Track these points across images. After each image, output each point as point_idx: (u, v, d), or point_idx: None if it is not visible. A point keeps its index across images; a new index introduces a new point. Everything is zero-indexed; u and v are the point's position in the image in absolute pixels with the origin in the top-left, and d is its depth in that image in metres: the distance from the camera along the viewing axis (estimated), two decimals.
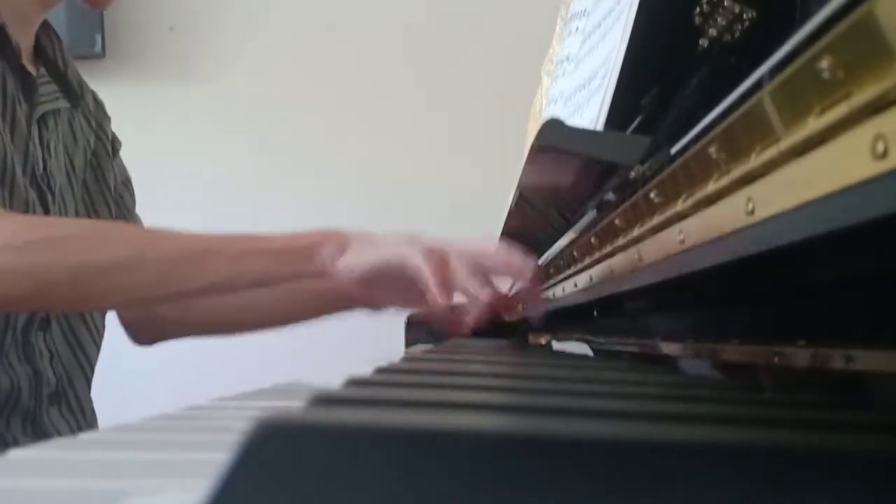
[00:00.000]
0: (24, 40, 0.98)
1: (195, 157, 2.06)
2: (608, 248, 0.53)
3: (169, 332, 1.15)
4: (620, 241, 0.49)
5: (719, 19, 0.45)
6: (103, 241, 0.84)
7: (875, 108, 0.21)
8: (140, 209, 1.19)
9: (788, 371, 0.38)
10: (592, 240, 0.58)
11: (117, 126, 1.17)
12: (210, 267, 0.86)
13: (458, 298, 0.87)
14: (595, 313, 0.79)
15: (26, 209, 0.92)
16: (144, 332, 1.15)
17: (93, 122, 1.10)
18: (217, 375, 1.31)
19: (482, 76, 1.99)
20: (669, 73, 0.49)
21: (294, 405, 0.23)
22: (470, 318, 0.87)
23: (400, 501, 0.16)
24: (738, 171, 0.30)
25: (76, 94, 1.06)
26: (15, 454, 0.30)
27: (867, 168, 0.21)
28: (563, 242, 0.75)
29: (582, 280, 0.62)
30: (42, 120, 0.99)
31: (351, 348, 1.10)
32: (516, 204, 0.82)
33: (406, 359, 0.69)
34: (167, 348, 1.17)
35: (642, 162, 0.47)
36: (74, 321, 1.02)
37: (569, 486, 0.16)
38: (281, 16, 2.08)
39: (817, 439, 0.18)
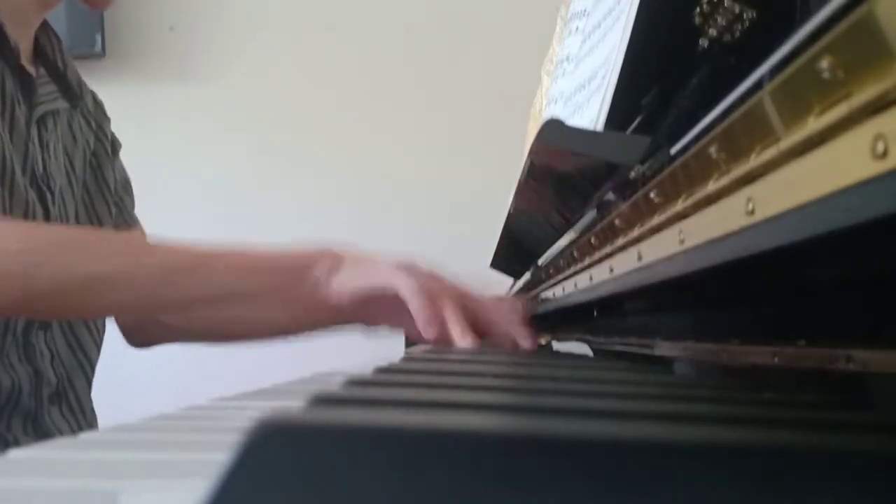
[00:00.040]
0: (23, 40, 0.98)
1: (195, 157, 2.06)
2: (608, 248, 0.53)
3: (163, 338, 1.15)
4: (620, 241, 0.49)
5: (719, 19, 0.45)
6: (94, 253, 0.84)
7: (875, 108, 0.21)
8: (140, 209, 1.19)
9: (788, 371, 0.38)
10: (592, 240, 0.58)
11: (117, 126, 1.17)
12: (199, 281, 0.85)
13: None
14: (595, 313, 0.79)
15: (26, 209, 0.92)
16: (139, 335, 1.15)
17: (92, 123, 1.10)
18: (217, 375, 1.31)
19: (482, 76, 1.99)
20: (669, 73, 0.49)
21: (294, 405, 0.23)
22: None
23: (400, 501, 0.16)
24: (738, 171, 0.30)
25: (75, 94, 1.06)
26: (15, 454, 0.30)
27: (867, 168, 0.21)
28: (563, 242, 0.75)
29: (582, 280, 0.62)
30: (41, 120, 0.99)
31: (351, 348, 1.10)
32: (516, 204, 0.82)
33: (406, 359, 0.69)
34: (167, 348, 1.17)
35: (642, 162, 0.47)
36: (75, 322, 1.02)
37: (569, 486, 0.16)
38: (281, 16, 2.08)
39: (817, 439, 0.18)
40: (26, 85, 0.98)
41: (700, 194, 0.34)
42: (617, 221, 0.50)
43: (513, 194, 0.85)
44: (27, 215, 0.93)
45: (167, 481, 0.26)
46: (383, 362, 0.55)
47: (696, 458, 0.16)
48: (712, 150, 0.33)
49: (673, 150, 0.41)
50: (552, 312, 0.81)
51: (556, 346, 1.01)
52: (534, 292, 0.91)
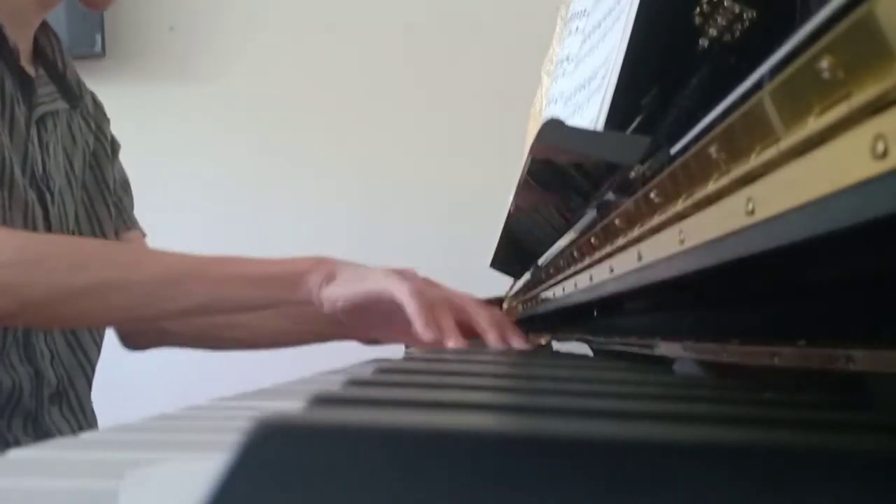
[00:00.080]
0: (22, 41, 0.98)
1: (195, 157, 2.06)
2: (608, 248, 0.53)
3: (159, 342, 1.15)
4: (620, 241, 0.49)
5: (719, 19, 0.45)
6: (87, 262, 0.84)
7: (875, 108, 0.21)
8: (140, 209, 1.19)
9: (788, 371, 0.38)
10: (592, 240, 0.58)
11: (117, 126, 1.17)
12: (192, 291, 0.86)
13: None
14: (595, 313, 0.79)
15: (25, 210, 0.93)
16: (136, 339, 1.15)
17: (92, 124, 1.10)
18: (217, 375, 1.31)
19: (482, 76, 1.99)
20: (669, 73, 0.49)
21: (294, 405, 0.23)
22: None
23: (400, 501, 0.16)
24: (738, 171, 0.30)
25: (75, 95, 1.06)
26: (15, 454, 0.30)
27: (867, 168, 0.21)
28: (563, 242, 0.75)
29: (582, 280, 0.62)
30: (41, 121, 0.99)
31: (351, 348, 1.10)
32: (516, 203, 0.82)
33: (406, 359, 0.69)
34: (167, 348, 1.17)
35: (642, 162, 0.47)
36: None
37: (569, 486, 0.16)
38: (281, 16, 2.08)
39: (817, 439, 0.18)
40: (26, 86, 0.98)
41: (700, 194, 0.34)
42: (617, 221, 0.50)
43: (513, 194, 0.85)
44: (27, 216, 0.93)
45: (167, 480, 0.26)
46: (383, 362, 0.55)
47: (696, 458, 0.16)
48: (712, 150, 0.33)
49: (673, 150, 0.41)
50: (552, 312, 0.81)
51: (556, 346, 1.01)
52: (534, 292, 0.91)
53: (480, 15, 2.02)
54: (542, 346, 1.02)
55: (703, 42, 0.46)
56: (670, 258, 0.39)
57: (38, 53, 1.02)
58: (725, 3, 0.44)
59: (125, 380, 1.50)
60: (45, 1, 1.01)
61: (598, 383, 0.39)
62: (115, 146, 1.15)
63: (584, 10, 0.72)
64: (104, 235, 1.08)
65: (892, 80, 0.20)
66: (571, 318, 0.84)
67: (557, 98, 0.72)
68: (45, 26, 1.04)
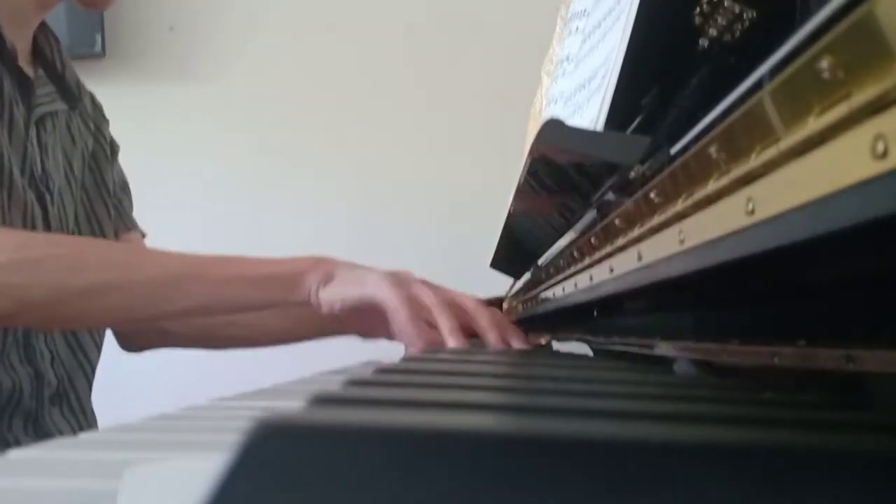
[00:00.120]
0: (21, 42, 0.98)
1: (195, 157, 2.06)
2: (608, 248, 0.53)
3: (159, 343, 1.15)
4: (620, 241, 0.49)
5: (719, 19, 0.45)
6: (85, 263, 0.84)
7: (875, 108, 0.21)
8: (140, 209, 1.19)
9: (788, 371, 0.38)
10: (592, 240, 0.58)
11: (117, 126, 1.17)
12: (191, 291, 0.86)
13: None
14: (595, 313, 0.79)
15: (24, 210, 0.93)
16: (135, 340, 1.15)
17: (91, 125, 1.10)
18: (217, 375, 1.31)
19: (482, 76, 1.99)
20: (669, 73, 0.49)
21: (294, 405, 0.23)
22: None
23: (400, 501, 0.16)
24: (738, 171, 0.30)
25: (74, 95, 1.06)
26: (15, 454, 0.30)
27: (867, 168, 0.21)
28: (563, 242, 0.75)
29: (582, 280, 0.62)
30: (40, 122, 0.99)
31: (351, 348, 1.10)
32: (516, 203, 0.82)
33: (406, 359, 0.69)
34: (167, 349, 1.17)
35: (642, 162, 0.47)
36: None
37: (569, 486, 0.16)
38: (281, 16, 2.08)
39: (817, 439, 0.18)
40: (25, 86, 0.98)
41: (700, 194, 0.34)
42: (617, 221, 0.50)
43: (513, 194, 0.85)
44: (26, 216, 0.93)
45: (167, 480, 0.26)
46: (383, 362, 0.55)
47: (696, 458, 0.16)
48: (712, 150, 0.33)
49: (673, 150, 0.41)
50: (552, 312, 0.81)
51: (556, 346, 1.01)
52: (534, 292, 0.91)
53: (480, 15, 2.02)
54: (542, 346, 1.02)
55: (703, 42, 0.46)
56: (670, 258, 0.39)
57: (37, 54, 1.02)
58: (725, 3, 0.44)
59: (125, 380, 1.50)
60: (44, 1, 1.01)
61: (598, 383, 0.39)
62: (114, 147, 1.15)
63: (584, 10, 0.72)
64: (104, 236, 1.08)
65: (892, 80, 0.20)
66: (571, 318, 0.84)
67: (557, 98, 0.72)
68: (43, 27, 1.04)
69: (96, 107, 1.14)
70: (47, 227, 0.96)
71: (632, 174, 0.48)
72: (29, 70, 0.99)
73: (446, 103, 2.02)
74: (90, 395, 1.06)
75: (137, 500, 0.25)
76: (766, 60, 0.29)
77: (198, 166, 2.05)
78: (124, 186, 1.17)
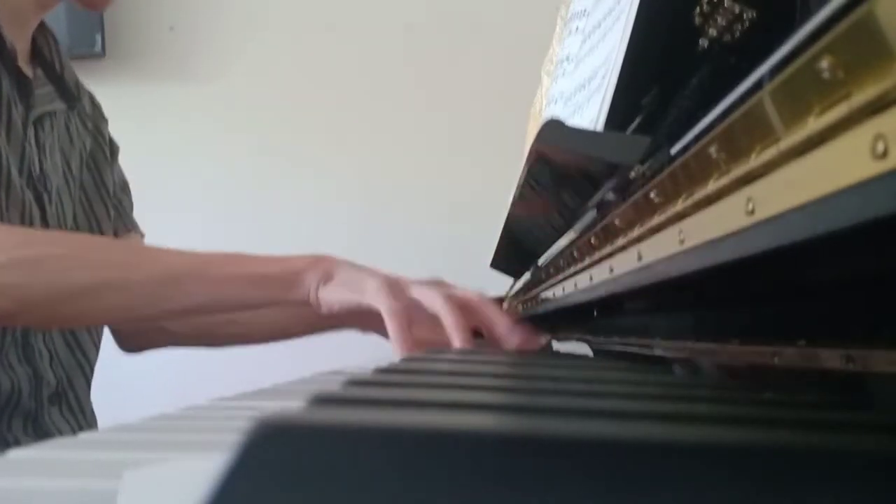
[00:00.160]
0: (20, 42, 0.98)
1: (195, 157, 2.06)
2: (608, 248, 0.53)
3: (158, 342, 1.15)
4: (620, 241, 0.49)
5: (719, 19, 0.45)
6: (85, 262, 0.84)
7: (875, 108, 0.21)
8: (140, 209, 1.19)
9: (788, 371, 0.38)
10: (592, 240, 0.58)
11: (117, 126, 1.17)
12: (191, 290, 0.86)
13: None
14: (595, 313, 0.79)
15: (23, 210, 0.93)
16: (134, 339, 1.15)
17: (89, 125, 1.10)
18: (217, 375, 1.31)
19: (482, 76, 1.99)
20: (669, 73, 0.49)
21: (294, 405, 0.23)
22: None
23: (400, 501, 0.16)
24: (738, 171, 0.30)
25: (73, 95, 1.06)
26: (15, 454, 0.30)
27: (867, 168, 0.21)
28: (563, 242, 0.75)
29: (582, 280, 0.62)
30: (38, 122, 0.99)
31: (351, 348, 1.10)
32: (516, 204, 0.82)
33: (406, 359, 0.69)
34: (167, 348, 1.17)
35: (642, 162, 0.47)
36: None
37: (569, 486, 0.16)
38: (281, 16, 2.08)
39: (817, 439, 0.18)
40: (23, 86, 0.98)
41: (700, 194, 0.34)
42: (617, 221, 0.50)
43: (512, 194, 0.85)
44: (24, 216, 0.93)
45: (167, 480, 0.26)
46: (383, 362, 0.55)
47: (696, 458, 0.16)
48: (712, 150, 0.33)
49: (673, 150, 0.41)
50: (552, 312, 0.81)
51: (556, 346, 1.01)
52: (534, 292, 0.91)
53: (480, 15, 2.02)
54: (542, 345, 1.02)
55: (703, 42, 0.46)
56: (670, 258, 0.39)
57: (36, 54, 1.02)
58: (725, 3, 0.44)
59: (125, 380, 1.50)
60: (43, 2, 1.01)
61: (598, 383, 0.39)
62: (113, 148, 1.15)
63: (584, 10, 0.72)
64: (103, 235, 1.08)
65: (892, 80, 0.20)
66: (571, 318, 0.84)
67: (557, 98, 0.72)
68: (42, 27, 1.04)
69: (95, 107, 1.14)
70: (45, 226, 0.96)
71: (632, 174, 0.48)
72: (28, 70, 0.99)
73: (446, 103, 2.02)
74: (89, 395, 1.06)
75: (137, 501, 0.25)
76: (766, 60, 0.29)
77: (198, 166, 2.06)
78: (124, 187, 1.17)
